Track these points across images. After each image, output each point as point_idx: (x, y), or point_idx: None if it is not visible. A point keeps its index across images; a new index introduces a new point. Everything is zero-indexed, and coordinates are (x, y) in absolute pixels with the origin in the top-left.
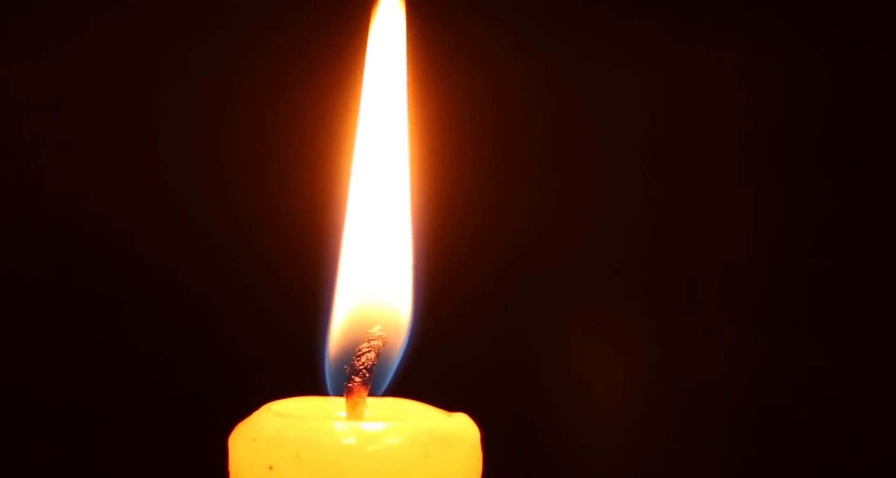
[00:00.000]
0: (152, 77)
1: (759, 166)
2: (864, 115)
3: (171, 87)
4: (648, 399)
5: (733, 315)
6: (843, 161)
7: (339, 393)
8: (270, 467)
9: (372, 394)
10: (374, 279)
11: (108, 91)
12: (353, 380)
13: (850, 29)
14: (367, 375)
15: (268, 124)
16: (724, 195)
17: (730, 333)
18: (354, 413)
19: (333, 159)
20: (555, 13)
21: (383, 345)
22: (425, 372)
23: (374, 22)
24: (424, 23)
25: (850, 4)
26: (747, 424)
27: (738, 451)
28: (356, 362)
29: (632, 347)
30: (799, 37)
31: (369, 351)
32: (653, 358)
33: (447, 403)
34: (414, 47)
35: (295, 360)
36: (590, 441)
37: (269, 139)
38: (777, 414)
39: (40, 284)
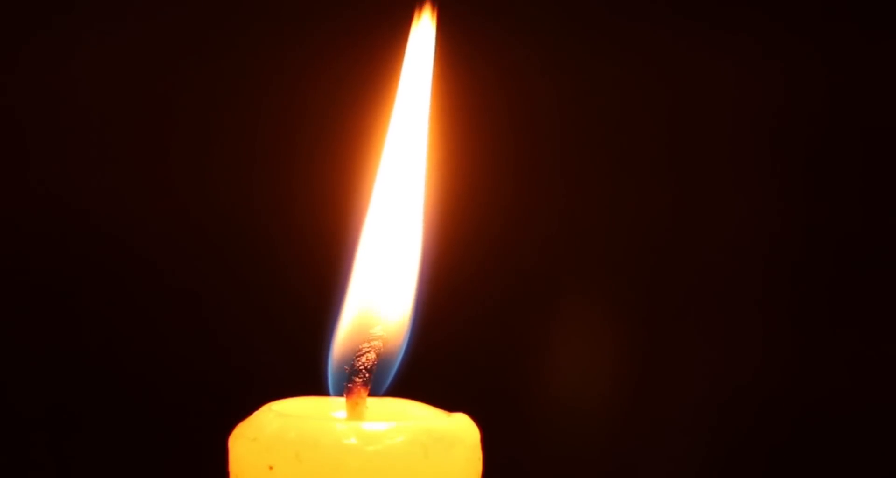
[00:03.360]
0: (173, 80)
1: (763, 164)
2: (867, 115)
3: (192, 92)
4: (649, 399)
5: (735, 314)
6: (847, 159)
7: (339, 393)
8: (270, 468)
9: (372, 394)
10: (377, 280)
11: (127, 95)
12: (353, 380)
13: (854, 27)
14: (368, 375)
15: (286, 128)
16: (727, 194)
17: (731, 332)
18: (354, 413)
19: (347, 162)
20: (574, 18)
21: (383, 345)
22: (425, 372)
23: (410, 32)
24: (447, 34)
25: (854, 2)
26: (748, 422)
27: (739, 449)
28: (356, 362)
29: (633, 346)
30: (803, 36)
31: (369, 351)
32: (654, 358)
33: (447, 403)
34: (437, 56)
35: (295, 360)
36: (590, 441)
37: (287, 143)
38: (776, 412)
39: (42, 284)
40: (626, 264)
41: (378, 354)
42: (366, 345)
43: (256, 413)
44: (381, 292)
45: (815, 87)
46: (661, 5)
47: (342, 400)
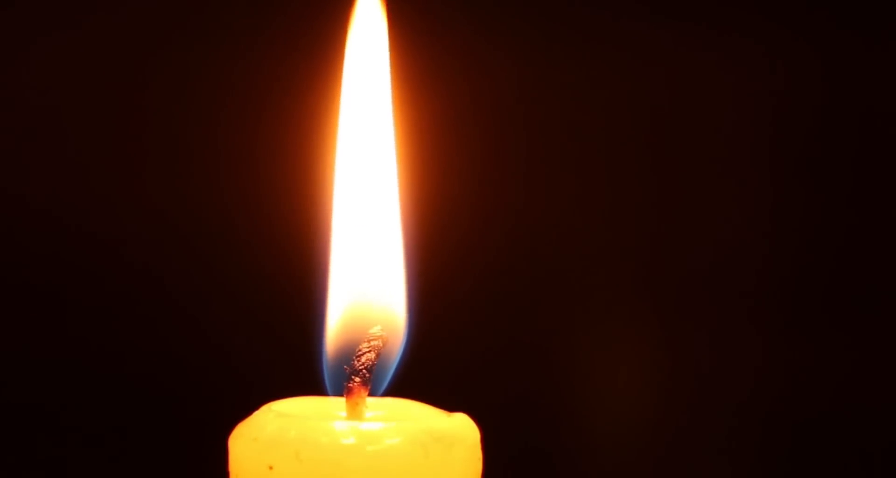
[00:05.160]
0: (137, 79)
1: (759, 166)
2: (865, 115)
3: (156, 91)
4: (649, 399)
5: (734, 315)
6: (844, 161)
7: (339, 393)
8: (270, 467)
9: (372, 394)
10: (373, 279)
11: (92, 94)
12: (353, 380)
13: (852, 26)
14: (367, 375)
15: (256, 125)
16: (723, 195)
17: (731, 333)
18: (354, 413)
19: (327, 160)
20: (543, 7)
21: (383, 345)
22: (425, 372)
23: (355, 20)
24: (406, 19)
25: (853, 3)
26: (751, 425)
27: (743, 453)
28: (356, 362)
29: (632, 346)
30: (800, 35)
31: (369, 351)
32: (654, 358)
33: (447, 403)
34: (397, 44)
35: (295, 360)
36: (590, 441)
37: (259, 140)
38: (782, 414)
39: (36, 289)
40: (625, 263)
41: (378, 354)
42: (365, 345)
43: (256, 413)
44: (379, 292)
45: (813, 85)
46: (652, 2)
47: (342, 400)
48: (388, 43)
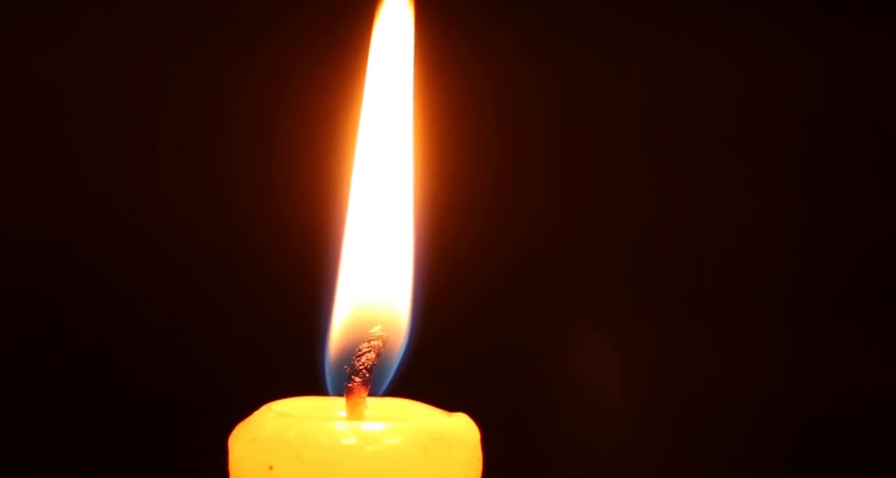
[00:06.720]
0: (150, 76)
1: (766, 164)
2: (873, 111)
3: (169, 87)
4: (649, 399)
5: (737, 315)
6: (852, 159)
7: (339, 393)
8: (270, 467)
9: (372, 394)
10: (375, 279)
11: (103, 91)
12: (353, 380)
13: (860, 23)
14: (368, 375)
15: (267, 123)
16: (729, 193)
17: (733, 333)
18: (354, 413)
19: (334, 159)
20: (561, 9)
21: (383, 345)
22: (425, 372)
23: (379, 19)
24: (429, 19)
25: (862, 1)
26: (750, 425)
27: (740, 452)
28: (356, 362)
29: (633, 347)
30: (808, 32)
31: (369, 351)
32: (654, 358)
33: (447, 403)
34: (419, 44)
35: (295, 360)
36: (590, 441)
37: (270, 138)
38: (781, 414)
39: (39, 288)
40: (627, 264)
41: (378, 354)
42: (366, 345)
43: (256, 413)
44: (380, 292)
45: (821, 85)
46: (668, 4)
47: (342, 400)
48: (412, 42)
